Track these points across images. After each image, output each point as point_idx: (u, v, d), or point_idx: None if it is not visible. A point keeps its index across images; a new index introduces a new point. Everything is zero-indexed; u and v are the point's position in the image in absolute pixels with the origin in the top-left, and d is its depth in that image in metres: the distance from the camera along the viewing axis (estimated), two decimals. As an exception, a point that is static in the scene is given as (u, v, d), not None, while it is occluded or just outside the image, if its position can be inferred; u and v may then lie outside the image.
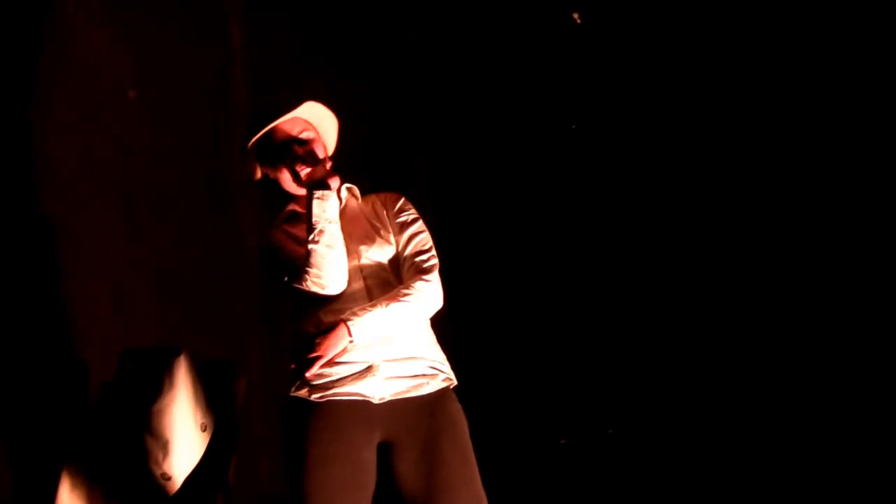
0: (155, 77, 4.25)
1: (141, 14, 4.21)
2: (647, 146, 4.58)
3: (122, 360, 3.45)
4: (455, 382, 2.84)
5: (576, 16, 4.65)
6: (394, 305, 2.69)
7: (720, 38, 4.36)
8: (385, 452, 2.73)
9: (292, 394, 2.77)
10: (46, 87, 3.86)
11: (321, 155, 2.88)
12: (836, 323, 4.06)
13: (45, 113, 3.87)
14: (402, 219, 2.90)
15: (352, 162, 3.07)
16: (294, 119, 2.89)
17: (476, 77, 4.91)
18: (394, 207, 2.93)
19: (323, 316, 2.76)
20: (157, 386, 3.36)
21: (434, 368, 2.78)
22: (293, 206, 2.96)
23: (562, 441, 4.66)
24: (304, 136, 2.88)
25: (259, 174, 2.97)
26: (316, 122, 2.95)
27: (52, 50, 3.90)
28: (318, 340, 2.68)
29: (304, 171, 2.84)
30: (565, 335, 4.71)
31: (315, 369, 2.68)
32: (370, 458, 2.72)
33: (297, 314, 2.84)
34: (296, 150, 2.85)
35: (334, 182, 2.78)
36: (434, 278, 2.79)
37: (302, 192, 2.85)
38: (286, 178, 2.89)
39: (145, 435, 3.37)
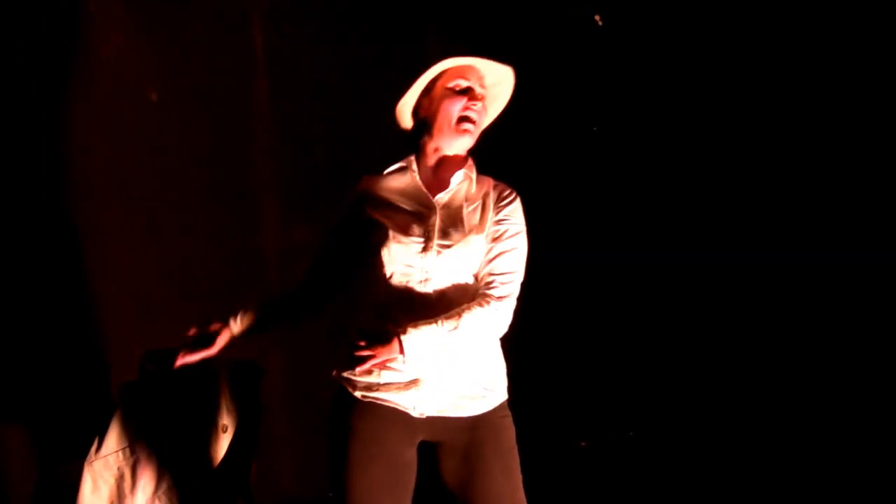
0: (177, 78, 4.26)
1: (163, 16, 4.22)
2: (667, 149, 4.57)
3: (143, 361, 3.46)
4: (506, 398, 2.75)
5: (597, 18, 4.64)
6: (449, 325, 2.56)
7: (742, 42, 4.34)
8: (428, 452, 2.70)
9: (337, 379, 2.71)
10: (68, 89, 3.88)
11: (481, 126, 2.74)
12: (863, 329, 4.04)
13: (68, 114, 3.89)
14: (503, 229, 2.70)
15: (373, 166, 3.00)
16: (485, 73, 2.72)
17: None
18: (502, 208, 2.73)
19: (383, 303, 2.66)
20: (179, 387, 3.37)
21: (485, 389, 2.68)
22: (408, 162, 2.79)
23: (582, 444, 4.65)
24: (485, 93, 2.73)
25: (410, 118, 2.78)
26: (493, 90, 2.78)
27: (74, 52, 3.92)
28: (371, 345, 2.54)
29: (467, 127, 2.68)
30: (585, 338, 4.70)
31: (363, 367, 2.59)
32: (411, 457, 2.68)
33: (364, 285, 2.74)
34: (469, 103, 2.68)
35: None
36: (503, 306, 2.62)
37: (451, 137, 2.71)
38: (446, 117, 2.70)
39: (166, 435, 3.38)
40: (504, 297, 2.63)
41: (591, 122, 4.72)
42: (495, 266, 2.66)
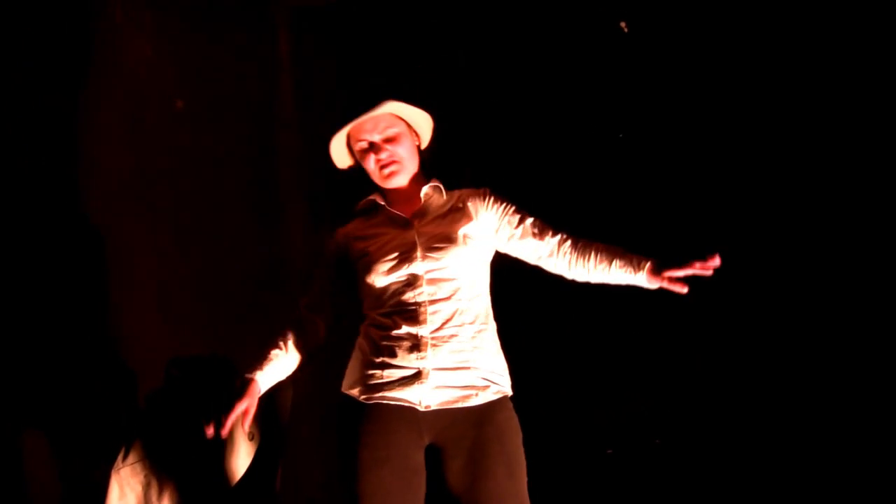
0: (202, 87, 4.28)
1: (188, 25, 4.25)
2: (692, 156, 4.55)
3: (169, 369, 3.47)
4: (510, 393, 2.80)
5: (623, 25, 4.63)
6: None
7: (770, 49, 4.32)
8: (433, 456, 2.72)
9: (344, 391, 2.77)
10: (95, 97, 3.91)
11: (406, 154, 2.86)
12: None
13: (93, 122, 3.92)
14: (511, 211, 2.91)
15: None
16: (377, 117, 2.83)
17: (525, 88, 4.89)
18: (494, 202, 2.92)
19: (386, 317, 2.76)
20: (205, 394, 3.38)
21: (486, 380, 2.73)
22: (376, 197, 2.92)
23: (608, 451, 4.63)
24: (389, 132, 2.85)
25: (347, 163, 2.95)
26: (405, 115, 2.89)
27: (101, 60, 3.95)
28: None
29: (389, 171, 2.84)
30: (612, 344, 4.68)
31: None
32: (419, 462, 2.71)
33: (364, 307, 2.86)
34: (376, 156, 2.84)
35: None
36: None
37: (383, 184, 2.87)
38: (368, 171, 2.88)
39: (193, 442, 3.39)
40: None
41: (618, 129, 4.71)
42: (535, 226, 2.89)
